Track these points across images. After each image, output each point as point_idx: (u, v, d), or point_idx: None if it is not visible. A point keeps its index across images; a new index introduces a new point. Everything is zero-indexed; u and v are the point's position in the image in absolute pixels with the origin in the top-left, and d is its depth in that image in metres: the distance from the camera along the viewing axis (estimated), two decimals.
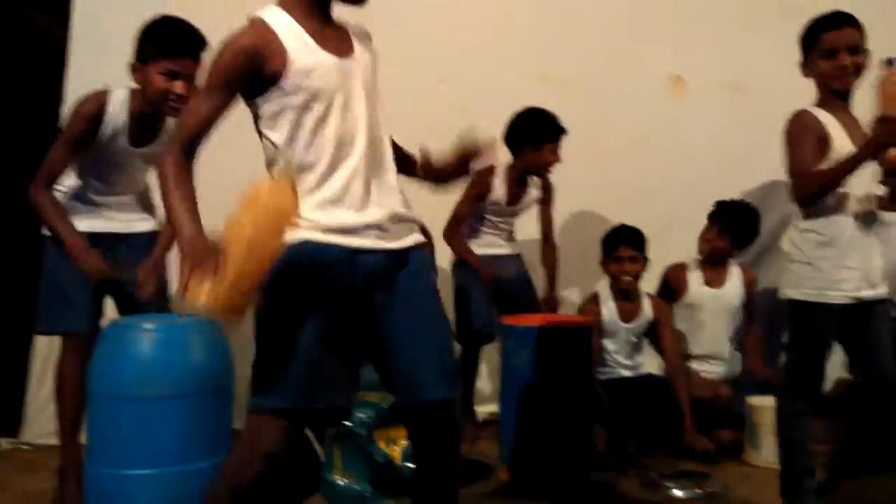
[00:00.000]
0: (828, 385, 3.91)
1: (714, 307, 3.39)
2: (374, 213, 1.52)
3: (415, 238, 1.60)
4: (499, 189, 3.23)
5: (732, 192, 3.51)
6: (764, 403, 3.06)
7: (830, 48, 2.24)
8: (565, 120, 3.47)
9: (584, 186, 3.69)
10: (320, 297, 1.48)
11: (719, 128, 3.75)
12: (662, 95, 3.83)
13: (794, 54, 3.93)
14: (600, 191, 3.73)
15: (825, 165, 2.21)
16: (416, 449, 1.63)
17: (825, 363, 2.28)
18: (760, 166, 3.84)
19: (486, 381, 3.55)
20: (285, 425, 1.48)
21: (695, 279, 3.41)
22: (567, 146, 3.44)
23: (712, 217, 3.41)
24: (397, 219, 1.56)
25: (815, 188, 2.22)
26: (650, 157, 3.76)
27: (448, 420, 1.57)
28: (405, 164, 1.70)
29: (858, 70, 2.24)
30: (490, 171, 3.19)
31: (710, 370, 3.39)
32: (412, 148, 1.76)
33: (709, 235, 3.40)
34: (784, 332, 4.10)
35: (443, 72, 3.56)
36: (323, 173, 1.50)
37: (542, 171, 3.23)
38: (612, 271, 3.26)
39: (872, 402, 2.40)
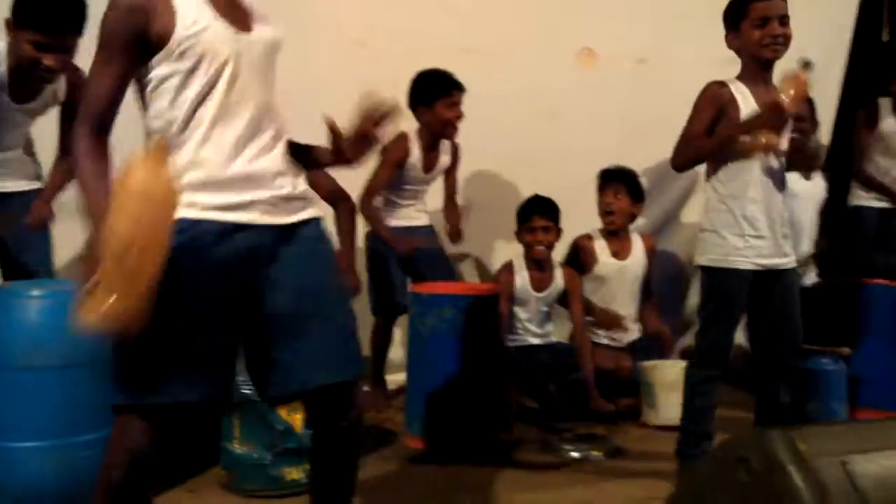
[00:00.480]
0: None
1: (621, 278, 3.48)
2: (256, 191, 1.42)
3: (308, 213, 1.50)
4: (415, 154, 3.21)
5: (638, 163, 3.59)
6: (661, 364, 3.20)
7: (763, 17, 2.30)
8: (483, 90, 3.47)
9: (499, 155, 3.72)
10: (194, 279, 1.36)
11: (627, 99, 3.82)
12: (575, 67, 3.88)
13: (697, 29, 4.05)
14: (516, 160, 3.75)
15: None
16: (313, 434, 1.57)
17: (733, 330, 2.36)
18: (664, 138, 3.95)
19: (399, 350, 3.57)
20: (151, 425, 1.36)
21: (602, 250, 3.49)
22: (485, 116, 3.44)
23: (604, 185, 3.46)
24: (286, 195, 1.46)
25: (685, 157, 2.38)
26: (564, 128, 3.80)
27: (342, 404, 1.49)
28: (309, 156, 1.63)
29: (787, 40, 2.32)
30: (404, 136, 3.18)
31: (616, 338, 3.50)
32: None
33: (609, 200, 3.45)
34: (683, 299, 4.30)
35: (362, 38, 3.51)
36: (199, 146, 1.39)
37: (446, 129, 3.18)
38: (527, 241, 3.30)
39: (763, 371, 2.51)
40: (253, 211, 1.42)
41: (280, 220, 1.45)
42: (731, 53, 3.92)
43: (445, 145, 3.31)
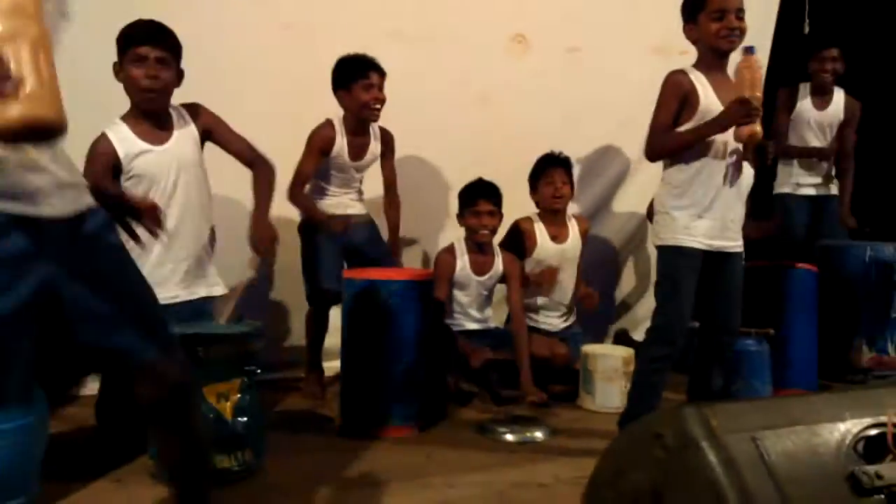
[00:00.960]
0: None
1: (560, 261, 3.53)
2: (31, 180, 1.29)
3: (84, 203, 1.38)
4: (340, 140, 3.18)
5: (572, 150, 3.64)
6: (597, 351, 3.27)
7: (720, 10, 2.38)
8: (414, 75, 3.47)
9: (433, 140, 3.72)
10: None
11: (559, 86, 3.87)
12: (507, 53, 3.90)
13: (627, 18, 4.12)
14: (448, 145, 3.76)
15: (694, 122, 2.39)
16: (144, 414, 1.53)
17: (688, 309, 2.43)
18: (597, 125, 4.03)
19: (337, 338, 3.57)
20: None
21: (542, 234, 3.53)
22: (418, 101, 3.47)
23: (551, 169, 3.48)
24: (61, 184, 1.33)
25: (660, 149, 2.45)
26: (497, 114, 3.83)
27: (159, 382, 1.46)
28: None
29: (742, 33, 2.41)
30: (328, 123, 3.16)
31: (553, 322, 3.56)
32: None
33: (559, 185, 3.47)
34: (615, 284, 4.39)
35: (291, 21, 3.46)
36: None
37: (364, 112, 3.13)
38: (471, 224, 3.29)
39: (699, 351, 2.60)
40: (30, 202, 1.29)
41: (54, 213, 1.32)
42: (661, 42, 4.03)
43: (376, 132, 3.28)
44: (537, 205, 3.55)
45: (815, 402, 1.38)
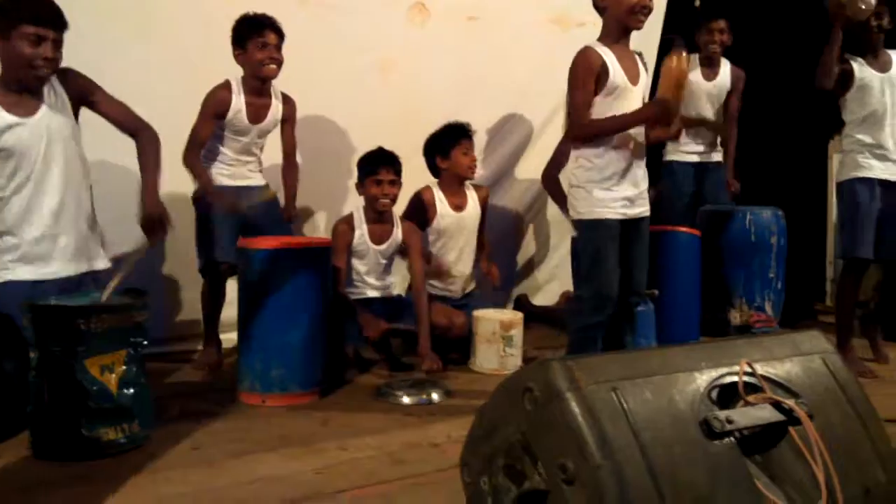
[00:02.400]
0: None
1: (460, 230, 3.58)
2: None
3: None
4: (238, 101, 3.09)
5: (472, 119, 3.64)
6: (480, 315, 3.34)
7: None
8: (317, 42, 3.43)
9: (332, 107, 3.70)
10: None
11: (459, 55, 3.89)
12: (408, 22, 3.89)
13: None
14: (349, 112, 3.74)
15: (602, 96, 2.48)
16: None
17: (612, 276, 2.52)
18: (495, 95, 4.08)
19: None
20: None
21: (441, 203, 3.55)
22: (317, 68, 3.43)
23: (465, 139, 3.50)
24: None
25: (583, 135, 2.53)
26: (397, 82, 3.83)
27: None
28: None
29: (650, 11, 2.49)
30: (225, 84, 3.09)
31: (454, 289, 3.61)
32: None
33: (473, 155, 3.52)
34: (517, 250, 4.49)
35: None
36: None
37: (260, 70, 3.06)
38: (373, 193, 3.26)
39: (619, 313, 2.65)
40: None
41: None
42: (558, 14, 4.10)
43: (278, 94, 3.21)
44: (443, 172, 3.54)
45: (673, 354, 1.46)
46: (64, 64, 2.45)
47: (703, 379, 1.44)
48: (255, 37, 3.03)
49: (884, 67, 3.30)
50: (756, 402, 1.46)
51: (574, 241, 3.86)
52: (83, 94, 2.51)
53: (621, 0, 2.46)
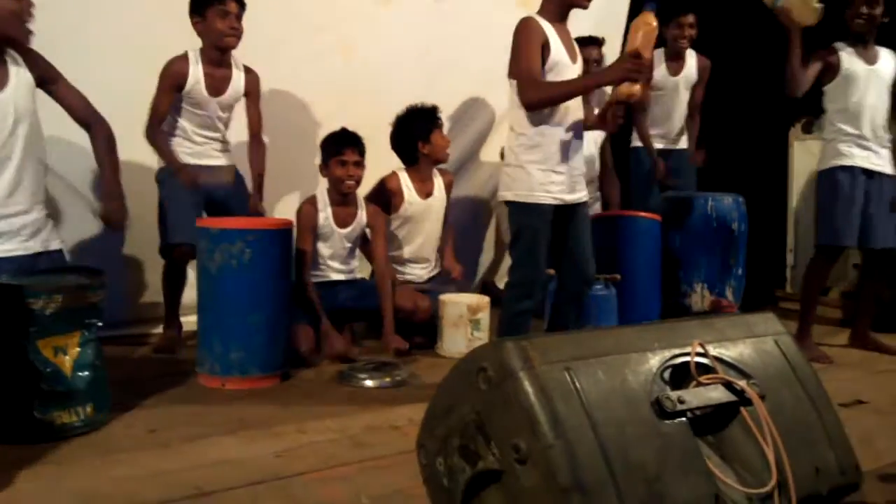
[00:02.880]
0: None
1: (426, 216, 3.56)
2: None
3: None
4: (194, 72, 3.03)
5: (438, 102, 3.61)
6: (446, 299, 3.34)
7: None
8: (279, 23, 3.38)
9: (295, 88, 3.66)
10: None
11: (424, 37, 3.87)
12: (372, 3, 3.85)
13: None
14: (312, 93, 3.70)
15: (545, 75, 2.39)
16: None
17: (542, 262, 2.49)
18: (459, 78, 4.06)
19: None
20: None
21: (409, 189, 3.53)
22: (279, 48, 3.38)
23: (438, 124, 3.49)
24: None
25: (544, 97, 2.40)
26: (361, 63, 3.79)
27: None
28: None
29: None
30: (182, 56, 3.03)
31: (418, 274, 3.60)
32: None
33: (445, 141, 3.50)
34: (483, 234, 4.49)
35: None
36: None
37: (221, 40, 3.01)
38: (337, 175, 3.20)
39: (561, 295, 2.70)
40: None
41: None
42: None
43: (239, 65, 3.15)
44: (423, 157, 3.50)
45: (626, 334, 1.47)
46: None
47: (655, 359, 1.45)
48: (216, 3, 2.97)
49: (872, 60, 3.29)
50: (708, 383, 1.48)
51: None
52: (44, 77, 2.46)
53: None
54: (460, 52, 3.95)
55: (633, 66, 2.32)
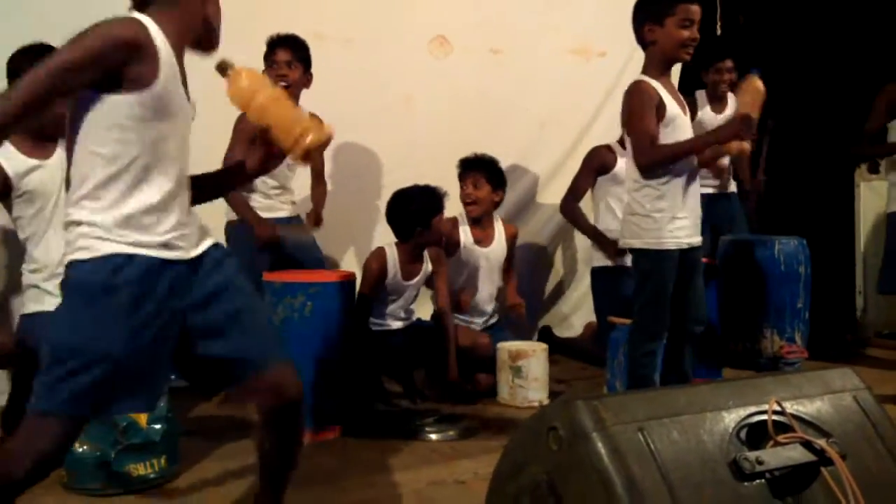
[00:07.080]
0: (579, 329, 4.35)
1: (483, 264, 3.56)
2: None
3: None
4: None
5: (496, 150, 3.65)
6: (501, 346, 3.31)
7: (689, 19, 2.43)
8: (340, 78, 3.47)
9: (358, 142, 3.74)
10: (129, 308, 1.46)
11: (482, 88, 3.93)
12: (430, 56, 3.95)
13: (548, 20, 4.20)
14: (374, 147, 3.80)
15: (661, 127, 2.46)
16: (264, 417, 1.67)
17: (668, 305, 2.52)
18: (520, 125, 4.11)
19: None
20: (69, 427, 1.48)
21: (466, 236, 3.54)
22: (340, 104, 3.43)
23: (464, 174, 3.51)
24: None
25: (660, 159, 2.47)
26: (421, 115, 3.87)
27: (291, 379, 1.64)
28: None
29: (697, 43, 2.48)
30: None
31: (473, 322, 3.58)
32: None
33: (469, 191, 3.50)
34: (544, 281, 4.47)
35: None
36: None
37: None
38: (441, 231, 3.25)
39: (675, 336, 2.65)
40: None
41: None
42: (581, 45, 4.13)
43: (304, 113, 3.23)
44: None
45: (700, 392, 1.44)
46: None
47: (731, 418, 1.42)
48: (269, 55, 3.11)
49: None
50: (786, 442, 1.43)
51: (595, 271, 3.86)
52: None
53: (672, 34, 2.44)
54: (517, 100, 4.00)
55: (745, 125, 2.44)
